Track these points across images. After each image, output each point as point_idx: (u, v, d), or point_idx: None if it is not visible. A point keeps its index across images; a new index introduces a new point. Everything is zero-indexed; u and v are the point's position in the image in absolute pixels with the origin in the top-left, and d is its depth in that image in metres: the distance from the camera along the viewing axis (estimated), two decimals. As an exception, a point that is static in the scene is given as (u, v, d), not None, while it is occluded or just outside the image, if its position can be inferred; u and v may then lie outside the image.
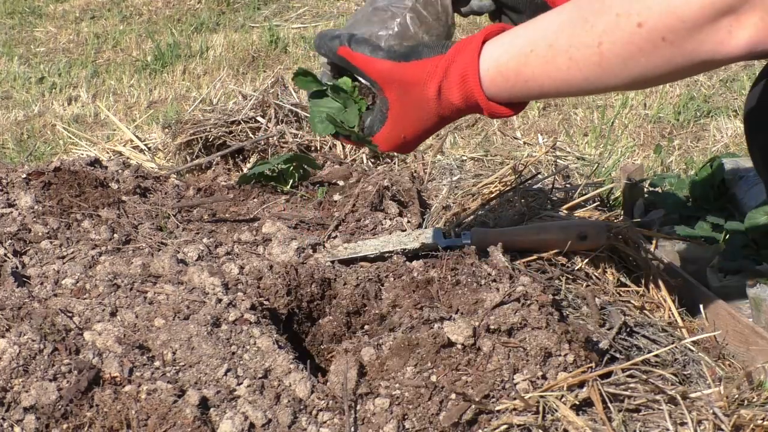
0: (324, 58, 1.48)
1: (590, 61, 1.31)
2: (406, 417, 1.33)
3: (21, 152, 4.08)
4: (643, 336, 1.67)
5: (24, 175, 2.00)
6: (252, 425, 1.31)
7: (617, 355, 1.56)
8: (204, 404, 1.32)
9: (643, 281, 1.93)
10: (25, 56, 5.58)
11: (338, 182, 2.29)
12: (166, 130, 2.86)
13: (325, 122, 1.49)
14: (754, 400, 1.48)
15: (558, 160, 2.81)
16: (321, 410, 1.36)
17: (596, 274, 1.87)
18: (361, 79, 1.46)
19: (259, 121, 2.72)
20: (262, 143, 2.63)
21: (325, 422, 1.34)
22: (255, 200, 2.15)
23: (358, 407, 1.36)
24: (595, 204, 2.23)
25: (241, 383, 1.38)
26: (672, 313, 1.87)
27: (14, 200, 1.89)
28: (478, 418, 1.33)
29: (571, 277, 1.83)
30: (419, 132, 1.45)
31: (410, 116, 1.43)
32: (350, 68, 1.45)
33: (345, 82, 1.48)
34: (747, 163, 2.43)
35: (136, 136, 2.87)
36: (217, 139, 2.69)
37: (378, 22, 1.45)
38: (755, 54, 1.23)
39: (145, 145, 2.82)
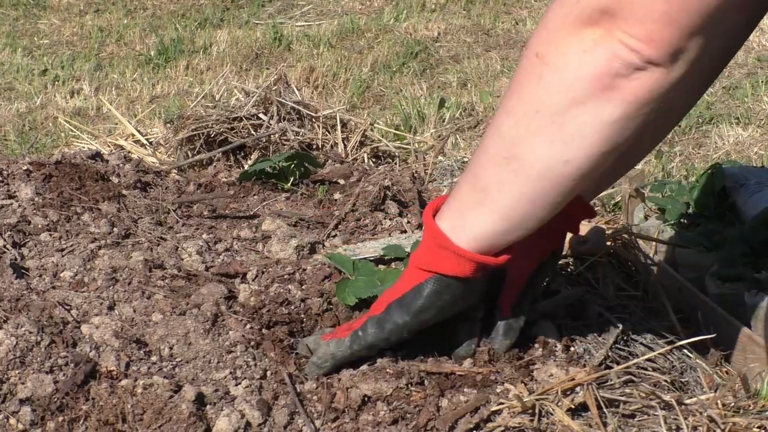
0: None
1: (506, 120, 1.27)
2: (403, 418, 1.33)
3: (22, 144, 4.08)
4: (641, 343, 1.67)
5: (25, 167, 2.00)
6: (248, 424, 1.31)
7: (614, 364, 1.56)
8: (200, 400, 1.32)
9: (642, 287, 1.93)
10: (29, 48, 5.58)
11: (339, 181, 2.29)
12: (168, 125, 2.86)
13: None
14: (750, 408, 1.48)
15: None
16: (319, 411, 1.36)
17: (595, 279, 1.87)
18: None
19: (261, 118, 2.71)
20: (264, 140, 2.63)
21: (322, 423, 1.34)
22: (255, 197, 2.15)
23: (356, 408, 1.36)
24: (595, 209, 2.23)
25: (239, 382, 1.38)
26: (670, 319, 1.87)
27: (15, 192, 1.89)
28: (473, 421, 1.33)
29: (570, 281, 1.83)
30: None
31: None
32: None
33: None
34: (748, 171, 2.43)
35: (138, 131, 2.86)
36: (219, 135, 2.69)
37: None
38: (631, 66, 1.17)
39: (147, 139, 2.82)
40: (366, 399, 1.35)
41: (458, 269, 1.34)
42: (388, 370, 1.39)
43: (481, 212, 1.32)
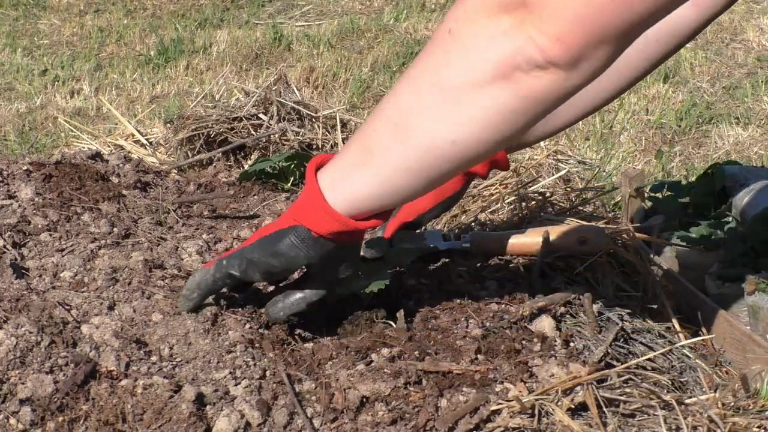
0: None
1: (405, 87, 1.27)
2: (402, 418, 1.33)
3: (22, 144, 4.08)
4: (641, 342, 1.67)
5: (25, 167, 2.00)
6: (248, 424, 1.31)
7: (614, 361, 1.56)
8: (200, 401, 1.32)
9: (642, 287, 1.93)
10: (29, 48, 5.58)
11: (339, 181, 2.29)
12: (168, 125, 2.86)
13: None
14: (750, 407, 1.48)
15: (559, 164, 2.81)
16: (318, 411, 1.36)
17: (595, 279, 1.87)
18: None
19: (261, 118, 2.71)
20: (264, 140, 2.63)
21: (321, 423, 1.34)
22: (255, 197, 2.15)
23: (355, 409, 1.36)
24: (595, 208, 2.23)
25: (239, 382, 1.38)
26: (670, 319, 1.87)
27: (15, 192, 1.89)
28: (473, 421, 1.33)
29: (569, 281, 1.83)
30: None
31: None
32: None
33: None
34: (748, 171, 2.44)
35: (138, 131, 2.87)
36: (219, 135, 2.69)
37: None
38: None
39: (147, 139, 2.82)
40: (364, 400, 1.35)
41: (322, 227, 1.36)
42: (385, 369, 1.39)
43: (362, 173, 1.32)
